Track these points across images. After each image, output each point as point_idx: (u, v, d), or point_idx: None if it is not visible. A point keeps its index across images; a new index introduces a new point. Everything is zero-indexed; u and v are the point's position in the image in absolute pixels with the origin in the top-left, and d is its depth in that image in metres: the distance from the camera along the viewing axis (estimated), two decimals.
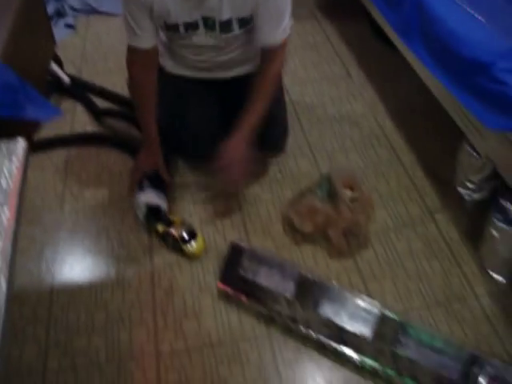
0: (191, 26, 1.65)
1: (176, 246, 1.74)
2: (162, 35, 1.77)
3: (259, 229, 1.84)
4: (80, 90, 2.39)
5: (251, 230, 1.83)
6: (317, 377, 1.47)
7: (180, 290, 1.66)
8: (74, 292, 1.66)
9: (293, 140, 2.13)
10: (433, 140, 2.14)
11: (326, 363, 1.49)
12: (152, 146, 1.83)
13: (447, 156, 1.86)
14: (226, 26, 1.65)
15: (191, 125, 1.92)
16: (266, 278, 1.58)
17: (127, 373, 1.48)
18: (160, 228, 1.76)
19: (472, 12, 1.72)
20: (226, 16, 1.62)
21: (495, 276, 1.69)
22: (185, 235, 1.72)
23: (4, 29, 1.29)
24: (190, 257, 1.73)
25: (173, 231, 1.73)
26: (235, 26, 1.66)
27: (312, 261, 1.74)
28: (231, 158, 1.70)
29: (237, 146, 1.71)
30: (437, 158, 2.07)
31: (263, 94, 1.74)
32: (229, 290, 1.61)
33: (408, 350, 1.43)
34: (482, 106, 1.56)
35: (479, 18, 1.69)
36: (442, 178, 1.97)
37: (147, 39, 1.65)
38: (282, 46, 1.72)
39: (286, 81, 2.11)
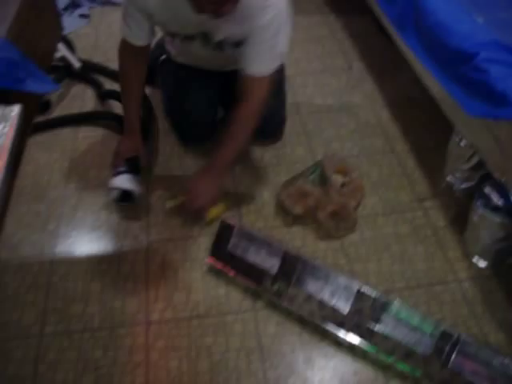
0: (189, 38, 1.73)
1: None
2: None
3: (252, 210, 1.91)
4: (89, 72, 2.51)
5: (245, 211, 1.91)
6: (297, 349, 1.54)
7: (172, 265, 1.75)
8: (73, 263, 1.76)
9: (291, 128, 2.20)
10: (427, 131, 2.20)
11: (307, 337, 1.56)
12: (133, 133, 1.90)
13: (439, 146, 1.91)
14: (219, 46, 1.73)
15: (190, 111, 2.01)
16: (253, 255, 1.65)
17: (118, 338, 1.56)
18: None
19: (461, 5, 1.78)
20: (219, 38, 1.68)
21: (477, 261, 1.74)
22: None
23: (12, 7, 1.38)
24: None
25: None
26: (228, 46, 1.72)
27: (300, 241, 1.81)
28: (201, 196, 1.74)
29: (208, 184, 1.74)
30: (429, 149, 2.12)
31: (238, 133, 1.71)
32: (218, 265, 1.69)
33: (385, 327, 1.49)
34: (465, 94, 1.62)
35: (467, 10, 1.75)
36: (433, 167, 2.03)
37: (141, 38, 1.70)
38: (266, 80, 1.65)
39: (289, 71, 2.18)
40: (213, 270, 1.72)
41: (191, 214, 1.85)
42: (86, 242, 1.83)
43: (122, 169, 1.85)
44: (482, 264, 1.72)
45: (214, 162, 1.75)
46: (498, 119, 1.49)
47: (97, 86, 2.45)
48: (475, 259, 1.73)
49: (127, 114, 1.88)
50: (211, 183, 1.75)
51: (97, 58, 2.61)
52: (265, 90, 1.66)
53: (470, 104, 1.58)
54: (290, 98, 2.22)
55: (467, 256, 1.75)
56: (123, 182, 1.83)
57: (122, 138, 1.94)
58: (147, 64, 1.82)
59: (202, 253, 1.77)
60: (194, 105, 2.00)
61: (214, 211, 1.84)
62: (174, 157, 2.12)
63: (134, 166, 1.89)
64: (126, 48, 1.74)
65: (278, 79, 2.04)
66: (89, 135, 2.24)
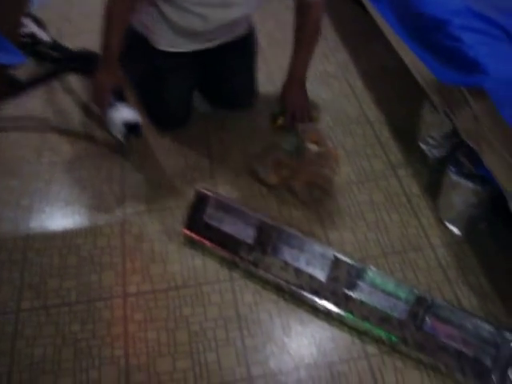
0: None
1: None
2: (161, 8, 1.74)
3: (227, 180, 1.91)
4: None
5: (220, 181, 1.91)
6: (274, 317, 1.55)
7: (148, 237, 1.74)
8: (49, 238, 1.75)
9: (265, 99, 2.19)
10: (400, 100, 2.21)
11: (284, 305, 1.58)
12: (112, 63, 1.75)
13: (413, 115, 1.93)
14: None
15: (169, 103, 2.01)
16: (229, 225, 1.65)
17: (96, 311, 1.56)
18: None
19: None
20: None
21: (451, 228, 1.76)
22: None
23: None
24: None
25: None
26: None
27: (276, 211, 1.81)
28: (301, 106, 1.89)
29: (302, 95, 1.93)
30: (403, 117, 2.13)
31: (310, 41, 1.92)
32: (194, 235, 1.69)
33: (360, 293, 1.51)
34: (438, 62, 1.62)
35: None
36: (406, 135, 2.04)
37: None
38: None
39: (262, 42, 2.17)
40: (189, 241, 1.72)
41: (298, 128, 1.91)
42: (60, 217, 1.81)
43: (114, 102, 1.74)
44: (456, 230, 1.75)
45: (295, 73, 1.92)
46: (470, 86, 1.51)
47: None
48: (449, 225, 1.76)
49: (109, 40, 1.70)
50: (303, 93, 1.94)
51: (68, 31, 2.56)
52: (321, 7, 1.88)
53: (442, 72, 1.59)
54: (263, 69, 2.21)
55: (441, 222, 1.78)
56: (126, 113, 1.73)
57: (99, 70, 1.76)
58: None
59: (178, 224, 1.76)
60: (173, 97, 1.99)
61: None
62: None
63: (121, 97, 1.79)
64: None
65: (250, 50, 2.04)
66: (62, 110, 2.20)
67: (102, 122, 1.87)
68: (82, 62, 2.29)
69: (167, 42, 1.85)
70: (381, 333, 1.47)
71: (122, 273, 1.65)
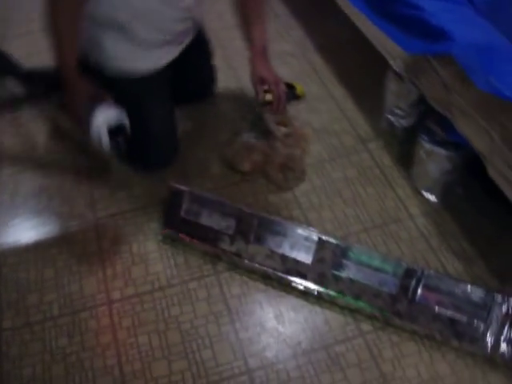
0: None
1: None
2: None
3: (198, 172, 1.87)
4: None
5: (191, 174, 1.87)
6: (265, 306, 1.53)
7: (125, 239, 1.69)
8: (21, 252, 1.67)
9: (223, 83, 2.14)
10: (362, 72, 2.20)
11: (273, 293, 1.56)
12: (76, 77, 1.54)
13: (376, 87, 1.91)
14: None
15: (157, 135, 1.78)
16: (207, 218, 1.61)
17: (82, 322, 1.51)
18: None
19: None
20: None
21: (428, 196, 1.77)
22: None
23: None
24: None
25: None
26: None
27: (252, 198, 1.78)
28: (272, 78, 1.78)
29: (268, 67, 1.80)
30: (366, 89, 2.12)
31: (261, 9, 1.78)
32: (172, 232, 1.65)
33: (348, 271, 1.50)
34: (400, 32, 1.61)
35: None
36: (372, 108, 2.03)
37: None
38: None
39: (214, 25, 2.11)
40: (168, 239, 1.68)
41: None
42: (30, 228, 1.74)
43: (91, 106, 1.50)
44: (433, 198, 1.76)
45: (259, 46, 1.78)
46: (436, 54, 1.50)
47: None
48: (425, 194, 1.77)
49: (63, 57, 1.51)
50: (271, 68, 1.82)
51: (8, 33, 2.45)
52: None
53: (406, 42, 1.57)
54: (219, 53, 2.16)
55: (417, 192, 1.78)
56: (108, 116, 1.49)
57: (67, 92, 1.56)
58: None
59: (153, 223, 1.72)
60: (159, 123, 1.77)
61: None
62: None
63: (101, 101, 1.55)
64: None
65: (205, 37, 1.98)
66: (13, 118, 2.10)
67: (89, 142, 1.67)
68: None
69: (148, 64, 1.69)
70: (373, 309, 1.48)
71: (103, 279, 1.60)
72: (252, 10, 1.77)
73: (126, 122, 1.55)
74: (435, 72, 1.52)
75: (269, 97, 1.80)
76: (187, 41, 1.80)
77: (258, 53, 1.78)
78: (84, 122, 1.52)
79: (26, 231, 1.73)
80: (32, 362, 1.44)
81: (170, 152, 1.85)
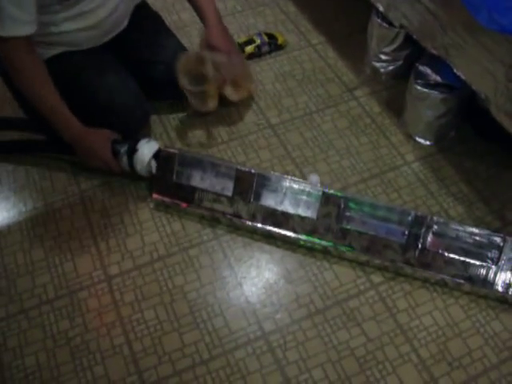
0: None
1: None
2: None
3: (182, 134, 1.78)
4: None
5: (174, 136, 1.78)
6: (271, 266, 1.48)
7: (115, 210, 1.60)
8: (5, 234, 1.56)
9: None
10: (340, 20, 2.12)
11: (278, 252, 1.51)
12: (75, 122, 1.52)
13: (355, 33, 1.85)
14: None
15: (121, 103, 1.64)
16: (202, 180, 1.54)
17: (81, 303, 1.42)
18: None
19: None
20: None
21: (421, 141, 1.74)
22: None
23: None
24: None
25: None
26: None
27: (243, 156, 1.72)
28: (229, 46, 1.65)
29: (223, 36, 1.65)
30: (346, 36, 2.05)
31: None
32: (166, 199, 1.56)
33: (354, 224, 1.46)
34: None
35: None
36: (354, 54, 1.96)
37: (32, 23, 1.37)
38: None
39: None
40: (161, 206, 1.59)
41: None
42: (11, 208, 1.61)
43: (123, 147, 1.56)
44: (427, 143, 1.73)
45: (212, 16, 1.65)
46: None
47: None
48: (419, 139, 1.73)
49: (63, 115, 1.50)
50: (228, 36, 1.70)
51: None
52: None
53: None
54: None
55: (410, 138, 1.74)
56: (147, 149, 1.55)
57: (76, 145, 1.56)
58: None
59: (142, 190, 1.63)
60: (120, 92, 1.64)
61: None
62: None
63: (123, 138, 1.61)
64: (17, 48, 1.38)
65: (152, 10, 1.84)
66: None
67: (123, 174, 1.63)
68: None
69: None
70: (382, 261, 1.44)
71: (98, 255, 1.51)
72: None
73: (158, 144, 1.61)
74: (430, 14, 1.45)
75: (249, 49, 1.70)
76: (127, 20, 1.69)
77: (211, 25, 1.64)
78: (114, 161, 1.57)
79: (5, 212, 1.61)
80: (34, 351, 1.35)
81: (132, 118, 1.68)
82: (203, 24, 1.67)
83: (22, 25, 1.36)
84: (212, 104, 1.72)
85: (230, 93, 1.75)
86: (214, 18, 1.65)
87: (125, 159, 1.56)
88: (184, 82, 1.64)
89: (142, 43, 1.72)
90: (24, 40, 1.38)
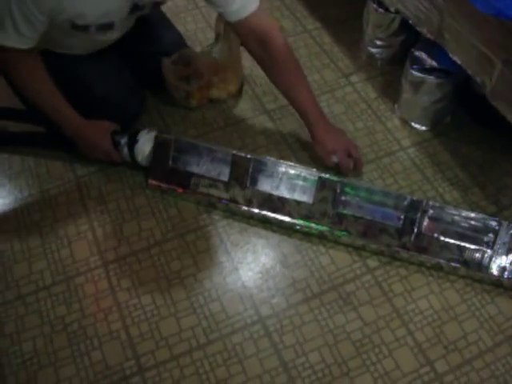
0: (106, 27, 1.44)
1: None
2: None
3: (179, 121, 1.78)
4: None
5: (170, 121, 1.78)
6: (267, 251, 1.49)
7: (111, 196, 1.59)
8: (1, 221, 1.56)
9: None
10: (335, 5, 2.11)
11: (274, 237, 1.51)
12: (79, 120, 1.53)
13: (351, 18, 1.85)
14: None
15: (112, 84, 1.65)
16: (198, 166, 1.53)
17: (78, 288, 1.42)
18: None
19: None
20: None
21: (417, 126, 1.74)
22: None
23: None
24: None
25: None
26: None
27: (239, 141, 1.71)
28: (342, 147, 1.58)
29: (334, 136, 1.59)
30: (341, 22, 2.05)
31: (300, 74, 1.59)
32: (162, 184, 1.56)
33: (350, 208, 1.47)
34: None
35: None
36: (350, 40, 1.96)
37: (32, 40, 1.35)
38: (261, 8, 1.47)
39: None
40: (157, 192, 1.59)
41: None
42: (6, 195, 1.61)
43: (124, 138, 1.56)
44: (423, 128, 1.73)
45: (312, 111, 1.58)
46: None
47: None
48: (414, 125, 1.73)
49: (63, 112, 1.50)
50: (337, 132, 1.63)
51: None
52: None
53: None
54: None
55: (406, 123, 1.74)
56: (148, 139, 1.55)
57: (78, 141, 1.57)
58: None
59: (139, 177, 1.62)
60: (102, 83, 1.63)
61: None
62: None
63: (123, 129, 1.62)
64: (19, 61, 1.39)
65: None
66: None
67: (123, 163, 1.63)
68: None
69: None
70: (378, 246, 1.45)
71: (94, 241, 1.50)
72: (285, 74, 1.56)
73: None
74: None
75: (334, 159, 1.59)
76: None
77: (316, 122, 1.58)
78: (115, 152, 1.57)
79: (1, 198, 1.61)
80: (31, 336, 1.35)
81: (127, 109, 1.69)
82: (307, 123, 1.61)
83: (25, 39, 1.33)
84: (195, 103, 1.77)
85: (216, 93, 1.79)
86: (315, 112, 1.59)
87: (125, 150, 1.56)
88: (171, 78, 1.71)
89: (142, 34, 1.71)
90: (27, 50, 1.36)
